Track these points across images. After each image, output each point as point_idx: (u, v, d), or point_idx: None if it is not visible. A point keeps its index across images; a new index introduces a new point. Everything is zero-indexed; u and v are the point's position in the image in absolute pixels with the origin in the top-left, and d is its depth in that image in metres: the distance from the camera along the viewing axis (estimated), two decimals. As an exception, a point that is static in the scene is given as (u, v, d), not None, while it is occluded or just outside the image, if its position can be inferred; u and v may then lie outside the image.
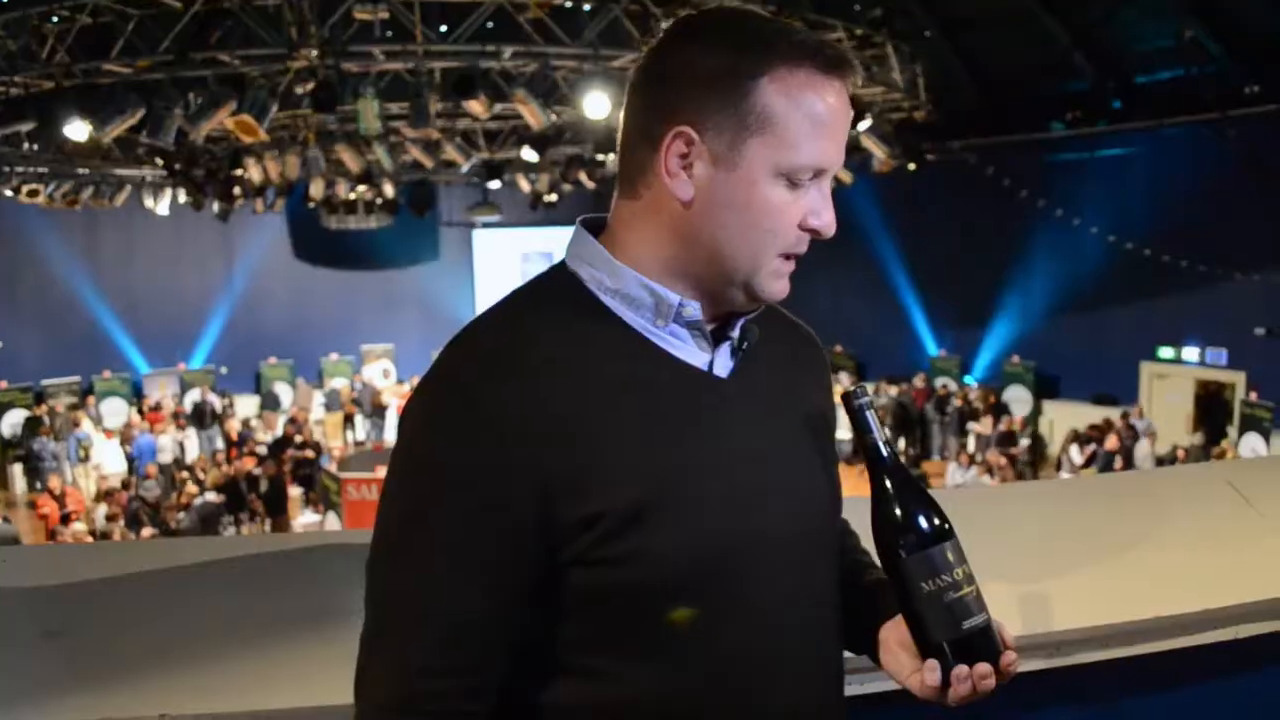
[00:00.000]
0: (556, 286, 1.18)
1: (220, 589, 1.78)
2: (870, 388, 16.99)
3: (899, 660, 1.22)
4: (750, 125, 1.09)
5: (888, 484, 1.18)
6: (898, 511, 1.17)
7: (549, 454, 1.05)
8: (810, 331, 1.38)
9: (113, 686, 1.50)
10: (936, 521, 1.16)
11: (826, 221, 1.14)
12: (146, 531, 11.64)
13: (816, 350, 1.37)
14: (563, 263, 1.21)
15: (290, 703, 1.48)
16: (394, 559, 1.10)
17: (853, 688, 1.38)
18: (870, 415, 1.18)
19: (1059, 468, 14.60)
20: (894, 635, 1.23)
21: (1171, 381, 15.33)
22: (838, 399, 1.29)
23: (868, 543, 1.28)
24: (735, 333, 1.20)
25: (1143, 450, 13.66)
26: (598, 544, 1.06)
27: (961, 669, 1.13)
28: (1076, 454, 14.06)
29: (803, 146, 1.10)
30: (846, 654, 1.30)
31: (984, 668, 1.13)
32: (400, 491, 1.11)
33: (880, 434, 1.19)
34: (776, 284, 1.16)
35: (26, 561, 2.01)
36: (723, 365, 1.19)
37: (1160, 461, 13.47)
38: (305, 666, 1.55)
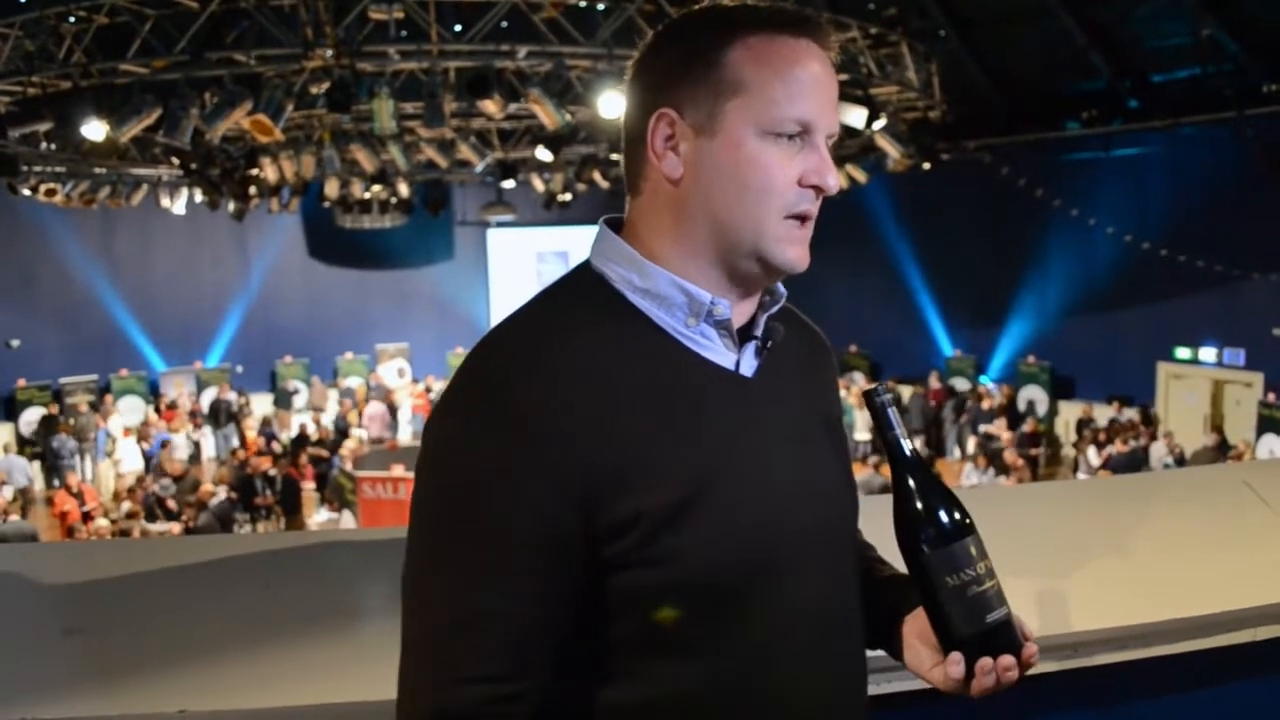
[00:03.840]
0: (584, 287, 1.18)
1: (238, 586, 1.79)
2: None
3: (920, 655, 1.22)
4: (725, 92, 1.12)
5: (909, 480, 1.19)
6: (920, 507, 1.17)
7: (587, 456, 1.04)
8: (821, 333, 1.39)
9: (132, 683, 1.51)
10: (958, 516, 1.17)
11: (826, 178, 1.14)
12: (158, 526, 11.69)
13: (827, 351, 1.38)
14: (587, 262, 1.21)
15: (307, 699, 1.49)
16: (431, 567, 1.07)
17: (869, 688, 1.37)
18: (892, 412, 1.19)
19: (1075, 469, 14.53)
20: (914, 630, 1.24)
21: (1188, 382, 15.24)
22: (852, 398, 1.29)
23: (880, 540, 1.28)
24: (760, 331, 1.20)
25: (1159, 451, 13.58)
26: (637, 545, 1.06)
27: (985, 661, 1.13)
28: (1094, 455, 13.96)
29: (780, 102, 1.11)
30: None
31: (1007, 659, 1.14)
32: (435, 498, 1.09)
33: (901, 430, 1.19)
34: (791, 250, 1.15)
35: (46, 558, 2.03)
36: (748, 365, 1.19)
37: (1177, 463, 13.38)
38: (322, 663, 1.55)
